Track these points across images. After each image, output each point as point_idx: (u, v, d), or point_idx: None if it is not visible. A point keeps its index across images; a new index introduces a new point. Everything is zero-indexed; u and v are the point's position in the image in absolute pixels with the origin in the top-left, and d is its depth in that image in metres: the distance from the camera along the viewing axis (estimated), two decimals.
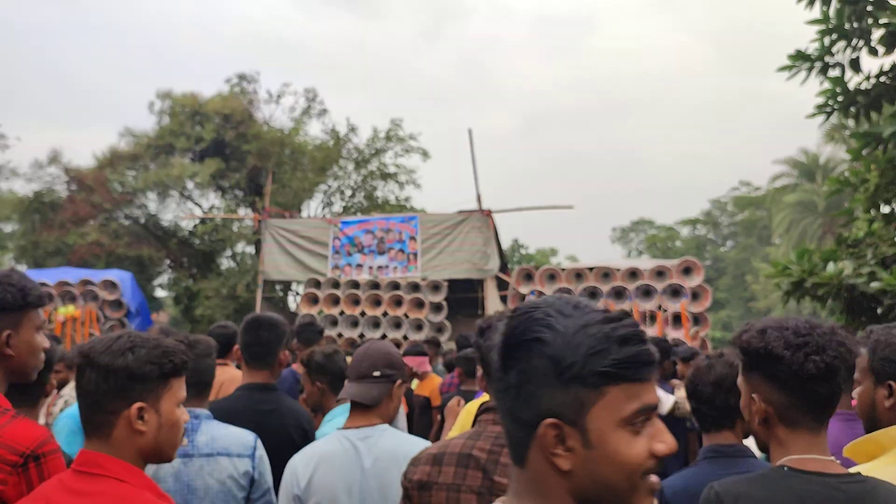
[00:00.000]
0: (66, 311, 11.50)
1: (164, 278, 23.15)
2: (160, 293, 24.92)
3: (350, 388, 2.51)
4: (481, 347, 2.03)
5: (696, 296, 10.68)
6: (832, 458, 1.63)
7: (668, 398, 4.68)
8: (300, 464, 2.44)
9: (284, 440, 2.79)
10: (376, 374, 2.52)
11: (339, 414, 3.03)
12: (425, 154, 22.88)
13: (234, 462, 2.49)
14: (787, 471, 1.58)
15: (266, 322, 3.10)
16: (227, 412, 2.76)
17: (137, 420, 1.60)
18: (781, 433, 1.64)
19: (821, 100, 7.00)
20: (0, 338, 1.90)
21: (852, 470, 1.69)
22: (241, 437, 2.55)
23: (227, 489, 2.46)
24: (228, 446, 2.50)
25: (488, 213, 13.01)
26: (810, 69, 7.01)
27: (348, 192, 23.25)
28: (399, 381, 2.59)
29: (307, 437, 2.89)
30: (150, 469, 2.34)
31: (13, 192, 24.79)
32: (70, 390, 4.31)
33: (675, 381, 5.41)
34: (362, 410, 2.49)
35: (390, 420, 2.56)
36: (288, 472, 2.45)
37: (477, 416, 2.08)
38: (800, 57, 7.00)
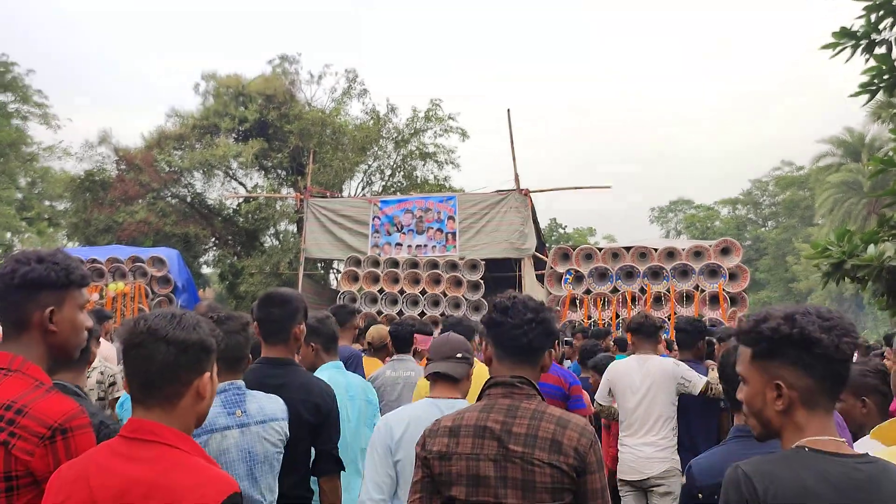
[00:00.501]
0: (116, 286, 11.91)
1: (209, 256, 23.61)
2: (206, 270, 25.48)
3: (439, 364, 2.91)
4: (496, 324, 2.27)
5: (734, 276, 10.66)
6: (843, 441, 1.69)
7: (701, 379, 4.71)
8: (394, 422, 2.79)
9: (290, 414, 2.78)
10: (459, 356, 2.94)
11: (326, 369, 3.54)
12: (464, 134, 22.95)
13: (281, 425, 2.74)
14: (808, 451, 1.64)
15: (278, 299, 3.10)
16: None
17: (206, 387, 1.75)
18: (801, 417, 1.68)
19: (865, 78, 6.92)
20: (44, 314, 1.98)
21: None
22: (279, 403, 2.78)
23: (278, 451, 2.71)
24: (275, 412, 2.73)
25: (526, 193, 13.09)
26: (855, 47, 6.92)
27: (388, 172, 23.43)
28: (471, 365, 3.01)
29: (319, 412, 2.90)
30: (215, 441, 2.61)
31: (65, 172, 25.57)
32: (98, 362, 4.46)
33: (709, 362, 5.40)
34: (448, 384, 2.92)
35: (463, 396, 2.95)
36: (382, 428, 2.79)
37: (484, 390, 2.26)
38: (844, 34, 6.87)
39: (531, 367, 2.23)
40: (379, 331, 5.60)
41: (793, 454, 1.67)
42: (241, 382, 2.75)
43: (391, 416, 2.87)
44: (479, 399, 2.28)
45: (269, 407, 2.74)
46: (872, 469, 1.64)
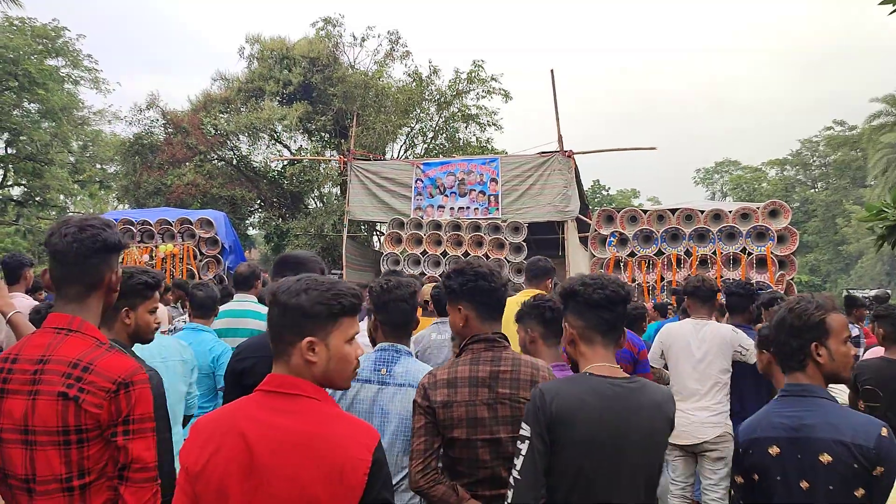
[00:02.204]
0: (165, 248, 12.21)
1: (255, 217, 23.91)
2: (252, 231, 25.93)
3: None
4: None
5: (782, 239, 10.49)
6: (619, 367, 2.32)
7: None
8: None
9: None
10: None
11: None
12: (507, 95, 22.72)
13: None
14: (588, 375, 2.28)
15: (292, 261, 3.09)
16: (255, 347, 2.98)
17: (308, 352, 1.80)
18: (583, 349, 2.35)
19: None
20: (113, 275, 2.22)
21: None
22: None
23: (410, 416, 2.74)
24: (419, 379, 2.76)
25: (570, 155, 12.93)
26: None
27: (430, 134, 23.36)
28: None
29: None
30: (352, 391, 2.84)
31: (115, 135, 26.12)
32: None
33: (760, 327, 5.35)
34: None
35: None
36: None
37: (468, 344, 2.68)
38: None
39: (499, 324, 2.73)
40: (424, 289, 5.70)
41: (578, 377, 2.32)
42: (401, 346, 2.95)
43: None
44: (461, 353, 2.71)
45: (417, 374, 2.83)
46: (634, 386, 2.28)
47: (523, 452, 2.24)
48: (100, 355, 2.06)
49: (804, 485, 2.18)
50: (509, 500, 2.26)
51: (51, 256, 2.15)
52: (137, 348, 2.96)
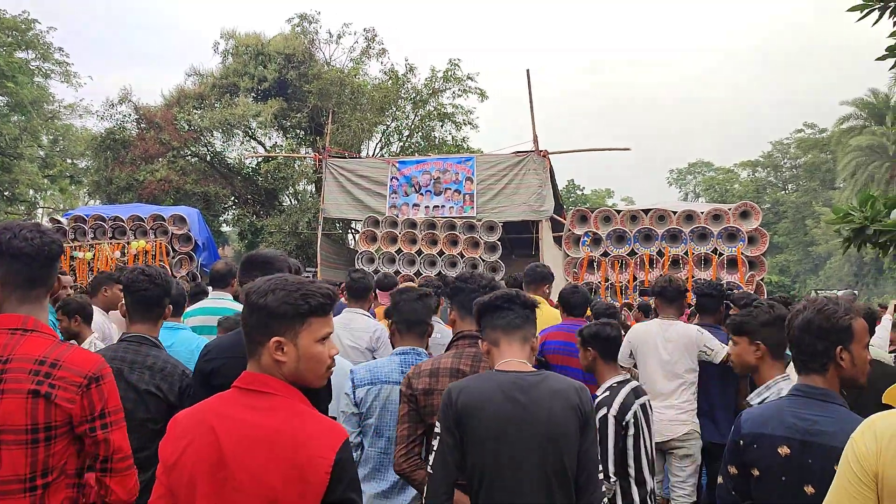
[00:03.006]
0: (138, 244, 12.06)
1: (229, 214, 23.71)
2: (225, 228, 25.69)
3: None
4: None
5: (752, 240, 10.64)
6: (528, 363, 2.45)
7: (723, 348, 4.67)
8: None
9: None
10: None
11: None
12: (483, 94, 22.78)
13: None
14: (494, 371, 2.45)
15: (259, 260, 3.06)
16: (223, 348, 2.94)
17: (277, 351, 1.82)
18: (494, 353, 2.50)
19: (893, 41, 6.78)
20: (61, 278, 2.37)
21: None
22: None
23: None
24: None
25: (545, 155, 13.01)
26: (883, 9, 6.76)
27: (406, 133, 23.35)
28: None
29: None
30: (385, 392, 3.07)
31: (86, 130, 25.74)
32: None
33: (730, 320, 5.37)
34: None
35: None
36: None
37: (453, 341, 2.94)
38: None
39: None
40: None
41: (484, 374, 2.50)
42: (421, 350, 3.20)
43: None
44: (448, 349, 2.93)
45: None
46: (537, 378, 2.40)
47: (435, 447, 2.37)
48: (64, 351, 2.08)
49: (809, 490, 2.16)
50: (425, 495, 2.40)
51: (10, 258, 2.12)
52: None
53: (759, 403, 2.75)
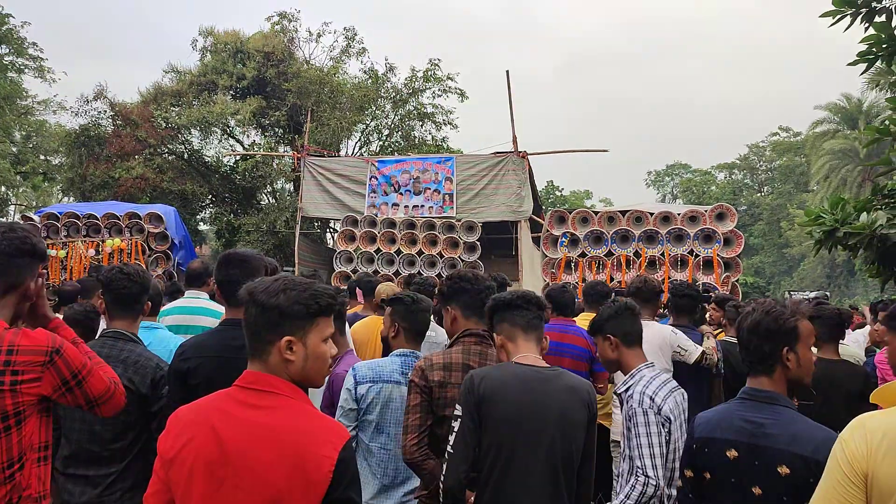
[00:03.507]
0: (113, 243, 11.91)
1: (206, 213, 23.53)
2: (203, 227, 25.48)
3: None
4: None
5: (728, 241, 10.76)
6: (542, 359, 2.69)
7: (697, 349, 4.73)
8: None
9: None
10: None
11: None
12: (463, 95, 22.80)
13: None
14: (513, 363, 2.66)
15: (236, 259, 3.05)
16: (199, 347, 2.93)
17: (287, 351, 1.83)
18: (510, 347, 2.73)
19: (864, 46, 6.85)
20: (35, 282, 2.27)
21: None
22: None
23: None
24: None
25: (524, 156, 13.06)
26: (855, 15, 6.83)
27: (385, 132, 23.32)
28: None
29: None
30: (386, 391, 3.22)
31: (60, 126, 25.35)
32: None
33: (704, 328, 5.30)
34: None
35: None
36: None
37: (459, 338, 3.08)
38: (845, 2, 6.79)
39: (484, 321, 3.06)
40: (393, 288, 5.63)
41: (504, 364, 2.71)
42: (418, 352, 3.40)
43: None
44: (453, 344, 3.09)
45: None
46: (553, 373, 2.65)
47: (456, 429, 2.57)
48: (15, 334, 2.10)
49: (756, 490, 2.21)
50: (444, 472, 2.56)
51: None
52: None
53: (625, 391, 2.93)
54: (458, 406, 2.59)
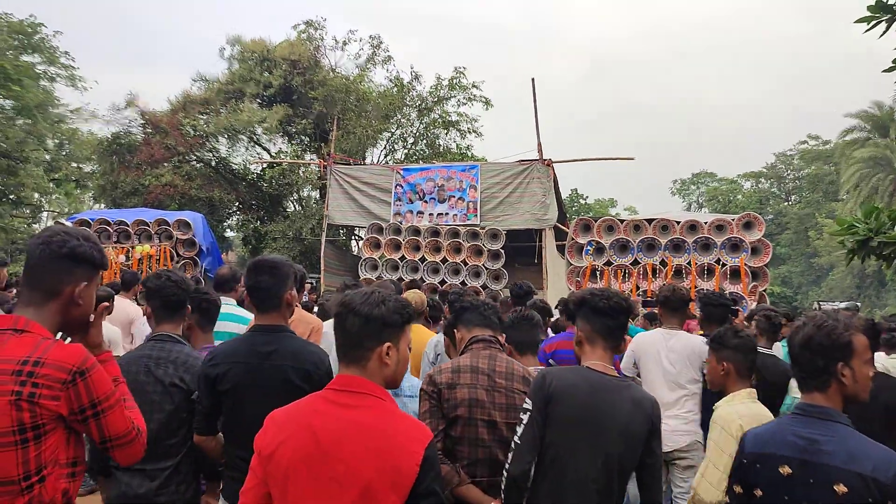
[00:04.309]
0: (142, 248, 12.11)
1: (233, 220, 23.77)
2: (230, 234, 25.71)
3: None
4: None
5: (755, 251, 10.65)
6: (611, 367, 2.72)
7: None
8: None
9: (281, 381, 2.82)
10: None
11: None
12: (487, 103, 22.81)
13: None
14: (586, 368, 2.72)
15: (266, 266, 3.04)
16: (228, 353, 2.93)
17: (386, 355, 2.05)
18: (585, 348, 2.77)
19: None
20: (76, 289, 2.12)
21: None
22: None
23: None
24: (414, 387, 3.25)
25: (549, 164, 13.04)
26: (891, 21, 6.72)
27: (410, 140, 23.40)
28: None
29: (312, 378, 2.82)
30: None
31: (92, 134, 25.81)
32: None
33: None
34: None
35: None
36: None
37: (469, 345, 3.17)
38: (880, 7, 6.66)
39: (489, 329, 3.24)
40: (421, 296, 5.59)
41: (576, 367, 2.78)
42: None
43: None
44: (463, 352, 3.17)
45: (418, 385, 3.31)
46: (622, 384, 2.71)
47: (525, 422, 2.67)
48: (48, 348, 2.02)
49: None
50: (510, 461, 2.66)
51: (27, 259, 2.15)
52: None
53: None
54: (527, 400, 2.71)
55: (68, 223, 12.69)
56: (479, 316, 3.28)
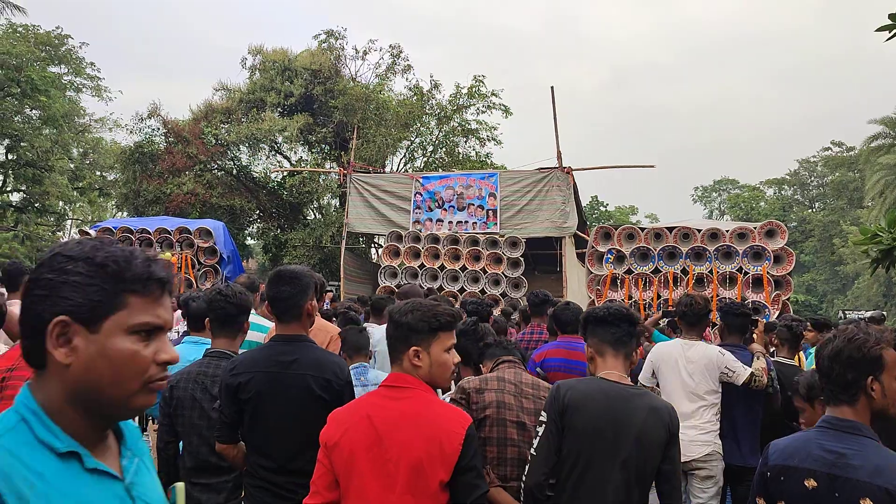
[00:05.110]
0: (164, 256, 12.25)
1: (254, 228, 23.96)
2: (250, 242, 25.93)
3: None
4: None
5: (778, 259, 10.52)
6: (626, 377, 2.81)
7: (745, 370, 4.60)
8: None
9: (302, 390, 2.84)
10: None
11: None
12: (507, 111, 22.83)
13: None
14: (598, 378, 2.80)
15: (287, 276, 3.05)
16: (250, 362, 2.95)
17: (414, 358, 2.34)
18: (598, 363, 2.86)
19: None
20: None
21: None
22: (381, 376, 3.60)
23: None
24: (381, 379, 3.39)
25: (568, 171, 13.00)
26: None
27: (430, 148, 23.47)
28: None
29: (332, 388, 2.87)
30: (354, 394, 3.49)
31: (116, 143, 26.19)
32: None
33: (755, 347, 5.07)
34: None
35: None
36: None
37: (497, 364, 3.35)
38: None
39: (517, 360, 3.40)
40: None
41: (590, 378, 2.86)
42: (366, 364, 4.18)
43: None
44: (492, 370, 3.33)
45: (380, 378, 3.54)
46: (637, 392, 2.79)
47: (541, 434, 2.76)
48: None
49: None
50: (526, 472, 2.75)
51: None
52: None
53: None
54: (543, 413, 2.80)
55: (92, 231, 12.87)
56: (502, 350, 3.49)
